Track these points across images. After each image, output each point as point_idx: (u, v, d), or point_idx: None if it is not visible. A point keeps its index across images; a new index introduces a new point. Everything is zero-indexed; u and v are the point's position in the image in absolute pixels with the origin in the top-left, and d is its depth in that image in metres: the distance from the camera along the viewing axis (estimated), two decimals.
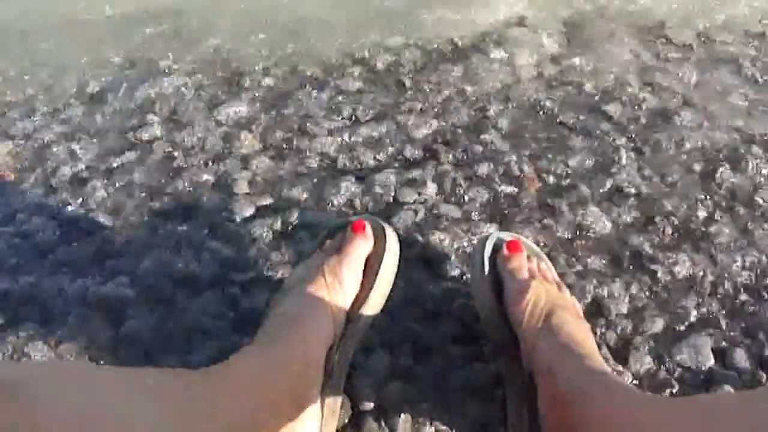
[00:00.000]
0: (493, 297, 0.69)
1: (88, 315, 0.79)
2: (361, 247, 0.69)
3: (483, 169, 0.99)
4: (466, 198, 0.94)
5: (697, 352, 0.74)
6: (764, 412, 0.39)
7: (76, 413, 0.35)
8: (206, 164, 1.04)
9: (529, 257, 0.73)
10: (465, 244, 0.87)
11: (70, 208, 0.96)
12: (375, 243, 0.70)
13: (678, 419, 0.45)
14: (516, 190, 0.96)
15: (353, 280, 0.66)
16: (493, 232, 0.78)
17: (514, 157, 1.01)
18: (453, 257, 0.86)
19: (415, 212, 0.92)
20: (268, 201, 0.95)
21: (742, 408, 0.42)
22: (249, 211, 0.93)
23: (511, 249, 0.72)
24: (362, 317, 0.66)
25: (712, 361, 0.73)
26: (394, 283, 0.71)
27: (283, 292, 0.65)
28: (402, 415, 0.66)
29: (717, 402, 0.48)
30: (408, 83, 1.19)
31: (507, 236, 0.75)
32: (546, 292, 0.66)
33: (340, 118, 1.11)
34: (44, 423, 0.33)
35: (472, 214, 0.92)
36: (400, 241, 0.73)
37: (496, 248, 0.73)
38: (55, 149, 1.09)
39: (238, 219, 0.92)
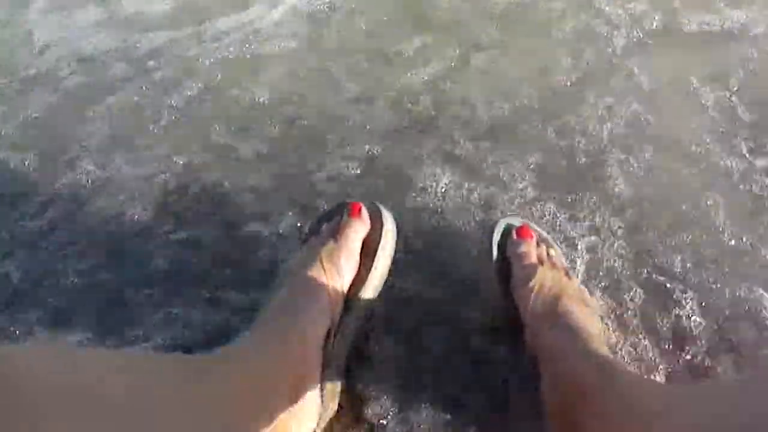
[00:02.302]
0: (500, 280, 0.69)
1: (89, 297, 0.79)
2: (358, 231, 0.68)
3: None
4: None
5: None
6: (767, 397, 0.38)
7: (59, 394, 0.35)
8: None
9: (538, 243, 0.72)
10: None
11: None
12: (372, 225, 0.70)
13: (680, 406, 0.44)
14: None
15: (351, 266, 0.66)
16: (502, 217, 0.76)
17: None
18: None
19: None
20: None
21: (745, 394, 0.41)
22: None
23: (520, 234, 0.71)
24: (360, 302, 0.66)
25: None
26: (392, 266, 0.70)
27: (281, 279, 0.65)
28: (402, 401, 0.66)
29: (719, 388, 0.48)
30: None
31: (517, 221, 0.74)
32: (552, 279, 0.65)
33: None
34: (28, 400, 0.33)
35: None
36: (396, 223, 0.72)
37: (506, 233, 0.72)
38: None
39: None
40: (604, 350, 0.57)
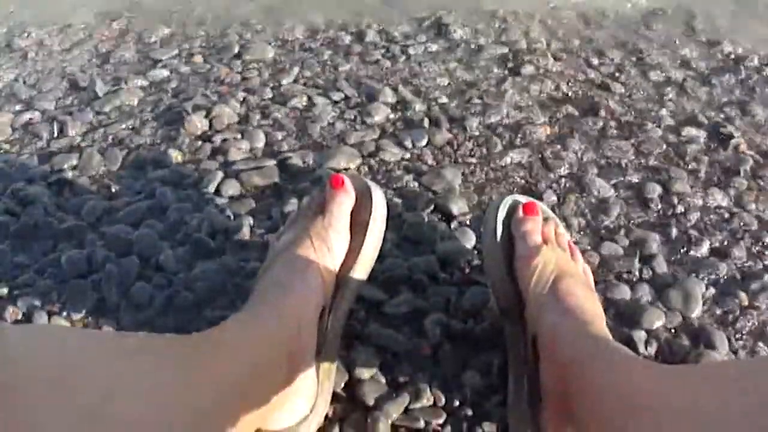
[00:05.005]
0: (504, 259, 0.67)
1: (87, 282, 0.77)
2: (343, 204, 0.66)
3: None
4: None
5: None
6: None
7: (50, 373, 0.34)
8: None
9: (544, 222, 0.70)
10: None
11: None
12: (359, 199, 0.68)
13: (680, 387, 0.43)
14: None
15: (341, 243, 0.65)
16: (507, 195, 0.74)
17: None
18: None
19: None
20: None
21: (745, 375, 0.39)
22: None
23: (526, 211, 0.69)
24: (352, 281, 0.64)
25: None
26: (384, 243, 0.69)
27: (271, 259, 0.64)
28: (397, 383, 0.65)
29: (719, 369, 0.46)
30: None
31: (523, 199, 0.72)
32: (556, 258, 0.63)
33: None
34: (17, 382, 0.32)
35: None
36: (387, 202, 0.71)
37: (511, 211, 0.70)
38: None
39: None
40: (603, 331, 0.56)
